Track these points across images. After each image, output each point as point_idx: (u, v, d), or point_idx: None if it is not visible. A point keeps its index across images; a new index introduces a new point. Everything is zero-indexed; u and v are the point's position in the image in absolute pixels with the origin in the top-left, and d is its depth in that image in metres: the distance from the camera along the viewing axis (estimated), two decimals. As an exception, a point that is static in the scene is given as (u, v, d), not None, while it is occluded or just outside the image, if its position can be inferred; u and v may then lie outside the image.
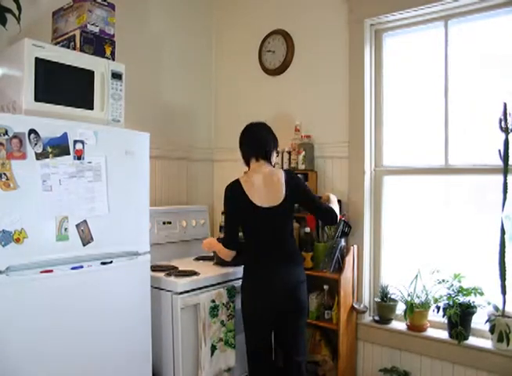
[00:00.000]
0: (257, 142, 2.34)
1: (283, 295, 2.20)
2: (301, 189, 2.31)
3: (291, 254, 2.28)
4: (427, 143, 2.69)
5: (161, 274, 2.40)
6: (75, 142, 1.89)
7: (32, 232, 1.75)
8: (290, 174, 2.35)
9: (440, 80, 2.62)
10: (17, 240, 1.71)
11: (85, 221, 1.92)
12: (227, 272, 2.54)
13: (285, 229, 2.28)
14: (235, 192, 2.26)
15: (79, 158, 1.90)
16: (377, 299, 2.73)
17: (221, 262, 2.62)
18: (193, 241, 3.14)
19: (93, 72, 2.09)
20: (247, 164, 2.38)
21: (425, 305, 2.55)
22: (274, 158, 2.39)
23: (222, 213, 3.26)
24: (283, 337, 2.30)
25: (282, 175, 2.28)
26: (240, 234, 2.34)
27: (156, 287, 2.32)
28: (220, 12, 3.59)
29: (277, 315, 2.23)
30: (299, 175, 2.90)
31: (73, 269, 1.89)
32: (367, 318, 2.82)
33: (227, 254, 2.34)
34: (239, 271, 2.57)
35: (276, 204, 2.23)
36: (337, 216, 2.33)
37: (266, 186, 2.25)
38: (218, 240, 2.50)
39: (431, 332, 2.55)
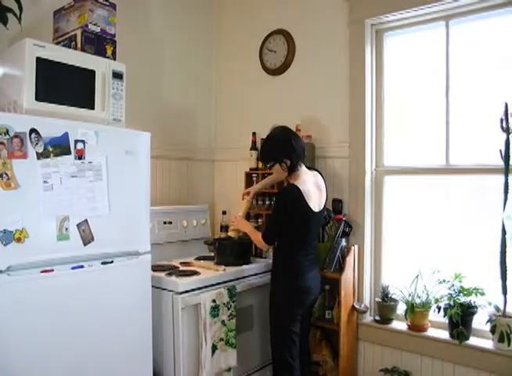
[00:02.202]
0: (301, 147, 2.34)
1: (315, 295, 2.42)
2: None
3: (316, 260, 2.45)
4: (428, 143, 2.69)
5: (162, 274, 2.40)
6: (76, 141, 1.89)
7: (33, 231, 1.75)
8: (322, 176, 2.48)
9: (441, 80, 2.62)
10: (18, 240, 1.71)
11: (86, 220, 1.92)
12: (228, 272, 2.53)
13: (318, 233, 2.50)
14: (295, 197, 2.23)
15: (80, 158, 1.90)
16: (378, 299, 2.73)
17: (222, 262, 2.62)
18: (194, 241, 3.14)
19: (94, 72, 2.09)
20: (293, 171, 2.33)
21: (426, 305, 2.55)
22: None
23: (223, 213, 3.28)
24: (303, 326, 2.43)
25: (322, 179, 2.44)
26: None
27: (156, 287, 2.32)
28: (221, 12, 3.59)
29: (305, 312, 2.40)
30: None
31: (73, 268, 1.89)
32: (368, 318, 2.82)
33: (263, 245, 2.38)
34: (239, 271, 2.58)
35: (322, 208, 2.37)
36: None
37: (317, 190, 2.34)
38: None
39: (432, 332, 2.55)
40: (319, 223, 2.45)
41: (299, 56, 3.11)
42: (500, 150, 2.30)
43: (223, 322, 2.39)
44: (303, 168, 2.34)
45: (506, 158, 2.28)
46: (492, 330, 2.29)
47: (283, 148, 2.30)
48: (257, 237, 2.38)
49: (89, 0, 2.12)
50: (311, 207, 2.25)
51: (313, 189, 2.31)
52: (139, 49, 2.98)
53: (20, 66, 1.87)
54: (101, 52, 2.17)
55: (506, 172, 2.27)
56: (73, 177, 1.88)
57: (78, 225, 1.90)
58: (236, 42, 3.49)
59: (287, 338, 2.30)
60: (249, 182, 3.20)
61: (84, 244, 1.92)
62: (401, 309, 2.67)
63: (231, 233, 2.61)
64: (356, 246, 2.77)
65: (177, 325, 2.25)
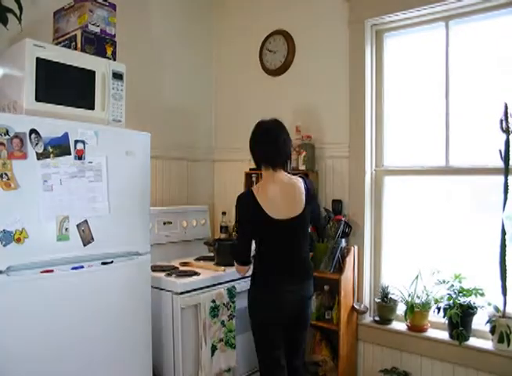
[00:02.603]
0: (272, 147, 2.10)
1: (292, 310, 2.14)
2: (314, 199, 2.25)
3: (306, 269, 2.19)
4: (428, 144, 2.69)
5: (162, 274, 2.40)
6: (76, 142, 1.89)
7: (33, 232, 1.75)
8: (307, 181, 2.21)
9: (441, 80, 2.62)
10: (18, 240, 1.71)
11: (86, 221, 1.92)
12: (227, 272, 2.53)
13: (302, 242, 2.15)
14: (247, 204, 2.08)
15: (80, 158, 1.90)
16: (378, 300, 2.73)
17: (221, 263, 2.62)
18: (194, 241, 3.14)
19: (94, 72, 2.09)
20: (259, 168, 2.18)
21: (425, 306, 2.55)
22: (290, 163, 2.21)
23: (223, 213, 3.28)
24: (286, 344, 2.20)
25: (300, 185, 2.13)
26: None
27: (156, 287, 2.32)
28: (221, 12, 3.59)
29: (283, 326, 2.15)
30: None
31: (73, 269, 1.89)
32: (367, 318, 2.82)
33: (241, 270, 2.21)
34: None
35: (295, 215, 2.08)
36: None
37: (283, 198, 2.08)
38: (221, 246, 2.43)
39: (432, 333, 2.55)
40: (295, 233, 2.12)
41: (299, 56, 3.11)
42: (500, 151, 2.30)
43: (223, 322, 2.39)
44: (275, 171, 2.11)
45: (505, 159, 2.28)
46: (492, 331, 2.29)
47: (251, 143, 2.17)
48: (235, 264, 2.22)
49: (89, 0, 2.13)
50: (269, 214, 2.03)
51: (275, 194, 2.07)
52: (139, 50, 2.98)
53: (20, 67, 1.88)
54: (101, 53, 2.17)
55: (506, 173, 2.27)
56: (73, 177, 1.88)
57: (78, 226, 1.90)
58: (236, 43, 3.49)
59: (263, 361, 2.15)
60: (249, 182, 3.19)
61: (84, 245, 1.92)
62: (400, 309, 2.67)
63: None
64: (356, 246, 2.77)
65: (176, 325, 2.25)
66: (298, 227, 2.12)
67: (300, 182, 2.15)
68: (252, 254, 2.18)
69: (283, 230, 2.08)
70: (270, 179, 2.12)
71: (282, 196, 2.08)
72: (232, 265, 2.54)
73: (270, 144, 2.11)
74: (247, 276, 2.60)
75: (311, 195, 2.18)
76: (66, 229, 1.86)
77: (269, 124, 2.15)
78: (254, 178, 3.17)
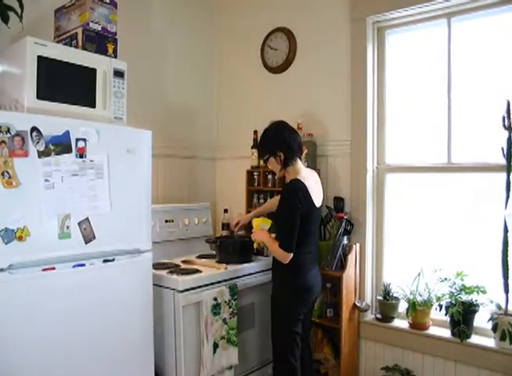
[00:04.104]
0: (296, 142, 2.29)
1: (318, 292, 2.39)
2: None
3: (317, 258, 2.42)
4: (430, 141, 2.68)
5: (163, 272, 2.40)
6: (77, 140, 1.89)
7: (34, 230, 1.75)
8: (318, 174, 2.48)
9: (443, 77, 2.61)
10: (20, 238, 1.71)
11: (87, 219, 1.93)
12: (229, 270, 2.53)
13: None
14: (304, 194, 2.17)
15: (81, 156, 1.91)
16: (379, 297, 2.73)
17: (223, 260, 2.63)
18: (196, 239, 3.14)
19: (95, 70, 2.09)
20: (287, 164, 2.26)
21: (427, 304, 2.55)
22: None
23: (224, 211, 3.28)
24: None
25: (317, 176, 2.42)
26: None
27: (158, 285, 2.32)
28: (222, 10, 3.59)
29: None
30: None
31: (75, 266, 1.89)
32: (369, 316, 2.82)
33: (286, 257, 2.18)
34: (240, 269, 2.58)
35: (321, 203, 2.32)
36: None
37: (316, 184, 2.31)
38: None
39: (434, 330, 2.55)
40: (319, 220, 2.41)
41: (300, 53, 3.11)
42: (502, 148, 2.29)
43: (224, 320, 2.39)
44: (300, 164, 2.30)
45: (508, 156, 2.27)
46: (494, 329, 2.29)
47: (277, 140, 2.26)
48: (274, 249, 2.22)
49: (90, -2, 2.12)
50: (315, 202, 2.22)
51: (314, 184, 2.27)
52: (140, 47, 2.98)
53: (21, 65, 1.88)
54: (102, 51, 2.17)
55: (508, 170, 2.26)
56: (75, 175, 1.88)
57: (80, 224, 1.90)
58: (238, 40, 3.49)
59: (290, 339, 2.26)
60: (250, 180, 3.20)
61: (86, 243, 1.92)
62: (402, 307, 2.67)
63: (256, 245, 2.59)
64: (358, 244, 2.77)
65: (178, 323, 2.25)
66: (320, 214, 2.40)
67: (317, 175, 2.43)
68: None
69: (318, 217, 2.34)
70: (304, 169, 2.31)
71: (315, 184, 2.31)
72: (234, 263, 2.56)
73: (296, 137, 2.32)
74: (248, 274, 2.62)
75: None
76: (68, 227, 1.86)
77: (287, 124, 2.37)
78: (255, 176, 3.17)
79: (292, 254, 2.17)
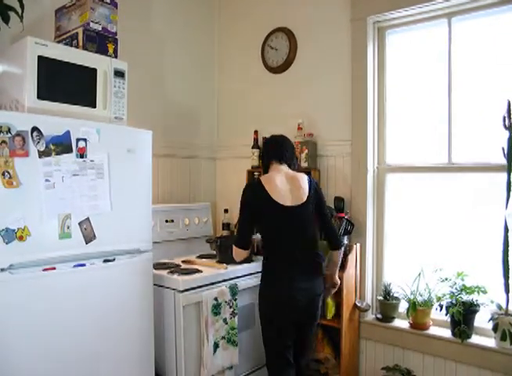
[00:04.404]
0: (279, 146, 2.32)
1: (301, 309, 2.12)
2: (319, 196, 2.29)
3: (316, 263, 2.20)
4: (430, 141, 2.68)
5: (164, 272, 2.40)
6: (78, 140, 1.89)
7: (35, 230, 1.75)
8: (311, 178, 2.30)
9: (443, 77, 2.61)
10: (20, 238, 1.71)
11: (88, 219, 1.93)
12: (230, 270, 2.53)
13: (309, 231, 2.19)
14: (255, 190, 2.18)
15: (82, 156, 1.91)
16: (380, 297, 2.73)
17: (224, 260, 2.63)
18: (196, 239, 3.15)
19: (96, 70, 2.09)
20: (267, 169, 2.33)
21: (428, 304, 2.55)
22: (294, 165, 2.36)
23: (225, 211, 3.28)
24: (294, 342, 2.22)
25: (303, 176, 2.26)
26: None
27: (158, 285, 2.32)
28: (223, 10, 3.59)
29: (292, 324, 2.16)
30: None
31: (75, 266, 1.89)
32: (370, 316, 2.81)
33: (239, 253, 2.21)
34: (240, 269, 2.58)
35: (300, 203, 2.16)
36: (340, 247, 2.36)
37: (289, 184, 2.19)
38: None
39: (434, 330, 2.55)
40: (301, 220, 2.17)
41: (301, 53, 3.11)
42: (503, 148, 2.29)
43: (225, 320, 2.39)
44: (281, 165, 2.27)
45: (508, 156, 2.27)
46: (494, 329, 2.28)
47: (262, 150, 2.47)
48: (233, 249, 2.24)
49: (91, -2, 2.12)
50: (277, 200, 2.12)
51: (281, 181, 2.18)
52: (141, 47, 2.98)
53: (22, 65, 1.88)
54: (102, 51, 2.17)
55: (509, 170, 2.26)
56: (75, 175, 1.88)
57: (80, 224, 1.90)
58: (238, 40, 3.49)
59: (272, 355, 2.18)
60: (251, 180, 3.19)
61: (86, 242, 1.93)
62: (403, 307, 2.67)
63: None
64: (358, 244, 2.77)
65: (179, 323, 2.25)
66: (301, 215, 2.16)
67: (303, 175, 2.28)
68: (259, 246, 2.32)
69: (288, 216, 2.14)
70: (276, 170, 2.26)
71: (287, 183, 2.20)
72: (234, 263, 2.55)
73: (279, 145, 2.34)
74: (249, 274, 2.62)
75: (316, 188, 2.27)
76: (68, 227, 1.86)
77: (274, 135, 2.42)
78: (256, 176, 3.17)
79: (244, 251, 2.20)
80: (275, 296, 2.12)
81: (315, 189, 2.25)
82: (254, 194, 2.17)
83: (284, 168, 2.27)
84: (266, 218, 2.16)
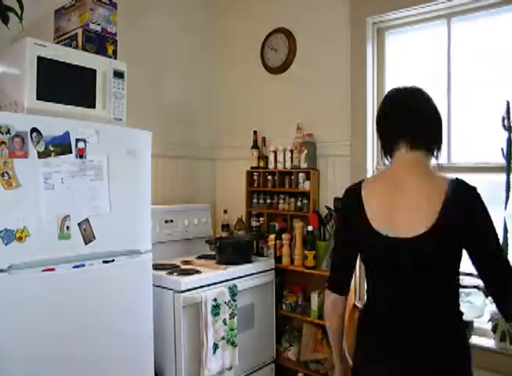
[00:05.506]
0: (413, 116, 1.32)
1: None
2: (478, 218, 1.27)
3: (445, 327, 1.27)
4: (430, 142, 2.68)
5: (163, 272, 2.41)
6: (77, 140, 1.89)
7: (34, 230, 1.75)
8: (463, 185, 1.29)
9: (442, 78, 2.61)
10: (19, 239, 1.71)
11: (87, 219, 1.93)
12: (229, 270, 2.54)
13: (435, 287, 1.26)
14: (350, 203, 1.40)
15: (81, 157, 1.91)
16: (379, 298, 2.73)
17: (223, 261, 2.63)
18: (195, 240, 3.15)
19: (95, 71, 2.09)
20: (388, 156, 1.39)
21: (427, 304, 2.54)
22: (439, 157, 1.41)
23: (224, 212, 3.28)
24: None
25: (444, 183, 1.28)
26: None
27: (158, 286, 2.33)
28: (222, 10, 3.59)
29: None
30: (301, 174, 2.91)
31: (75, 267, 1.89)
32: (369, 317, 2.81)
33: (327, 299, 1.48)
34: (240, 270, 2.58)
35: (419, 234, 1.22)
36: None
37: (404, 197, 1.27)
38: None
39: (433, 331, 2.54)
40: (415, 260, 1.27)
41: (300, 54, 3.11)
42: (502, 149, 2.29)
43: (224, 321, 2.39)
44: (413, 155, 1.35)
45: (507, 156, 2.27)
46: (494, 329, 2.28)
47: (378, 117, 1.46)
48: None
49: (90, -1, 2.13)
50: (373, 224, 1.32)
51: (389, 189, 1.35)
52: (140, 48, 2.98)
53: (21, 66, 1.88)
54: (102, 51, 2.17)
55: (508, 171, 2.26)
56: (74, 176, 1.88)
57: (79, 224, 1.90)
58: (238, 41, 3.49)
59: None
60: (250, 180, 3.20)
61: (86, 243, 1.92)
62: (402, 307, 2.66)
63: None
64: (357, 245, 2.76)
65: (178, 324, 2.25)
66: (422, 253, 1.24)
67: (442, 181, 1.30)
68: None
69: (396, 254, 1.27)
70: (399, 164, 1.34)
71: (401, 192, 1.28)
72: (234, 263, 2.55)
73: (414, 110, 1.33)
74: (248, 275, 2.62)
75: (466, 209, 1.25)
76: (68, 228, 1.86)
77: (405, 89, 1.39)
78: (255, 177, 3.17)
79: (332, 295, 1.45)
80: (357, 366, 1.46)
81: (468, 204, 1.26)
82: (347, 208, 1.42)
83: (417, 157, 1.32)
84: (361, 247, 1.38)
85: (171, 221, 2.98)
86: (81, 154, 1.90)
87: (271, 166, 3.09)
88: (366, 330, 1.42)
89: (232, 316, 2.43)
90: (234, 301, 2.45)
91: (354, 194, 1.38)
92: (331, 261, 1.52)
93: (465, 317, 1.34)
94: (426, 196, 1.26)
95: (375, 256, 1.34)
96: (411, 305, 1.27)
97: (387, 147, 1.38)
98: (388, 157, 1.39)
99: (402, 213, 1.26)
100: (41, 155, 1.77)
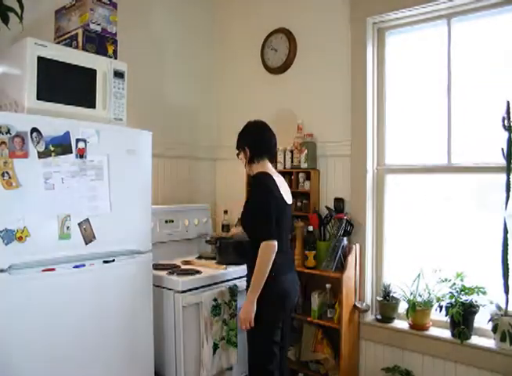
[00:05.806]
0: (269, 143, 2.29)
1: (295, 299, 2.27)
2: None
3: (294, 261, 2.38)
4: (430, 142, 2.68)
5: (163, 273, 2.40)
6: (77, 140, 1.90)
7: (34, 230, 1.75)
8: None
9: (443, 78, 2.61)
10: (20, 239, 1.71)
11: (87, 219, 1.93)
12: (229, 270, 2.54)
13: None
14: (273, 183, 2.14)
15: (81, 157, 1.91)
16: (379, 298, 2.73)
17: (223, 261, 2.63)
18: (196, 240, 3.15)
19: (95, 71, 2.10)
20: (252, 161, 2.24)
21: (427, 304, 2.55)
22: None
23: (224, 212, 3.27)
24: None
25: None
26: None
27: (158, 286, 2.33)
28: (223, 11, 3.59)
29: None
30: (301, 174, 2.93)
31: (75, 267, 1.89)
32: (369, 317, 2.81)
33: (271, 246, 2.01)
34: (240, 270, 2.58)
35: (291, 202, 2.28)
36: None
37: (284, 184, 2.26)
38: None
39: (434, 331, 2.55)
40: (290, 218, 2.27)
41: (300, 54, 3.11)
42: (502, 149, 2.29)
43: (224, 321, 2.39)
44: (268, 164, 2.24)
45: (508, 157, 2.27)
46: (494, 330, 2.28)
47: (246, 136, 2.31)
48: (259, 261, 2.01)
49: (90, -1, 2.13)
50: (284, 197, 2.17)
51: (281, 182, 2.23)
52: (140, 48, 2.98)
53: (22, 66, 1.88)
54: (102, 51, 2.17)
55: (508, 171, 2.26)
56: (75, 176, 1.88)
57: (80, 224, 1.90)
58: (238, 41, 3.49)
59: (269, 349, 2.10)
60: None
61: (86, 243, 1.93)
62: (402, 307, 2.67)
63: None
64: (358, 245, 2.77)
65: (178, 324, 2.25)
66: (291, 212, 2.29)
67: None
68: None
69: (288, 214, 2.23)
70: (271, 169, 2.25)
71: (283, 182, 2.26)
72: (234, 263, 2.55)
73: (272, 140, 2.31)
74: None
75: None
76: (68, 228, 1.86)
77: (264, 124, 2.37)
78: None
79: (276, 241, 2.02)
80: (280, 289, 2.10)
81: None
82: (274, 186, 2.13)
83: (272, 167, 2.28)
84: (276, 211, 2.09)
85: (172, 221, 2.98)
86: (81, 154, 1.91)
87: (271, 166, 3.08)
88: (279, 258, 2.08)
89: (232, 316, 2.43)
90: (234, 301, 2.44)
91: (272, 178, 2.15)
92: (267, 221, 2.04)
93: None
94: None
95: (283, 215, 2.15)
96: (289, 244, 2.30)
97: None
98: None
99: (285, 192, 2.21)
100: (41, 155, 1.78)
